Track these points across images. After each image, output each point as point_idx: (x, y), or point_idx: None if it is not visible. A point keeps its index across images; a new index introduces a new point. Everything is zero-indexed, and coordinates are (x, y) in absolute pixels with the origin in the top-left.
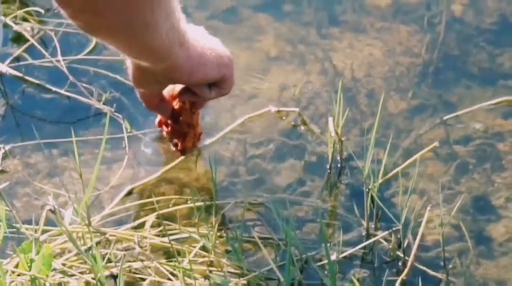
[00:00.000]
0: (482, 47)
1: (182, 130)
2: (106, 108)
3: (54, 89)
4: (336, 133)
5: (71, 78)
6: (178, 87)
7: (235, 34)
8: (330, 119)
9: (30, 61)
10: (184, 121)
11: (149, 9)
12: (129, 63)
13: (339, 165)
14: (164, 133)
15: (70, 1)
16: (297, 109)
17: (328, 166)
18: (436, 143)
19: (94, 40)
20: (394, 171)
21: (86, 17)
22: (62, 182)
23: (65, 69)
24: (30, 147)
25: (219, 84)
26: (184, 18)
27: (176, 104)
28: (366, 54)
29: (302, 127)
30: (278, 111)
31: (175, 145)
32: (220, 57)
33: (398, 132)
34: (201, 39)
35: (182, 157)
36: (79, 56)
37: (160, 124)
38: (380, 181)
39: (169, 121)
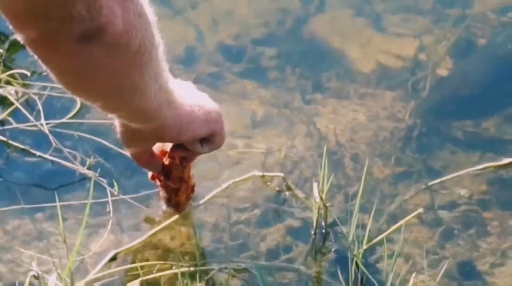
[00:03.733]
0: (467, 111)
1: (174, 185)
2: (90, 173)
3: (38, 153)
4: (321, 198)
5: (54, 143)
6: (168, 143)
7: (220, 98)
8: (315, 184)
9: (15, 125)
10: (175, 176)
11: (138, 73)
12: (116, 122)
13: (323, 231)
14: (159, 188)
15: (59, 66)
16: (281, 174)
17: (312, 232)
18: (420, 210)
19: (78, 104)
20: (379, 237)
21: (75, 81)
22: (46, 247)
23: (49, 134)
24: (15, 212)
25: (210, 139)
26: (171, 77)
27: (166, 160)
28: (350, 119)
29: (287, 192)
30: (263, 176)
31: (168, 200)
32: (208, 113)
33: (383, 197)
34: (189, 96)
35: (167, 222)
36: (63, 120)
37: (153, 178)
38: (365, 247)
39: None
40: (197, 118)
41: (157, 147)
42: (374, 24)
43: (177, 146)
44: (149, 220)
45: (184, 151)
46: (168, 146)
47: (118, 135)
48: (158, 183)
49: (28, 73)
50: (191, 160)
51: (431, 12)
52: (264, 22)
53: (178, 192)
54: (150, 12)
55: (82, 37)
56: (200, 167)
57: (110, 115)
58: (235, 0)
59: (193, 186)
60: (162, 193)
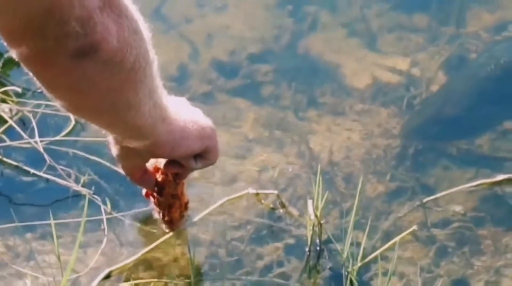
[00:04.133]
0: (461, 128)
1: (167, 202)
2: (84, 190)
3: (32, 171)
4: (316, 216)
5: (48, 160)
6: (162, 159)
7: (213, 117)
8: (310, 202)
9: (9, 142)
10: (168, 192)
11: (132, 89)
12: (110, 138)
13: (318, 248)
14: (152, 205)
15: (54, 82)
16: (275, 192)
17: (307, 249)
18: (414, 227)
19: (72, 122)
20: (373, 254)
21: (70, 98)
22: (40, 265)
23: (43, 151)
24: (9, 230)
25: (204, 155)
26: (165, 93)
27: (159, 176)
28: (345, 137)
29: (281, 210)
30: (257, 194)
31: (162, 217)
32: (202, 128)
33: (377, 214)
34: (183, 112)
35: (161, 239)
36: (57, 138)
37: (147, 195)
38: (359, 264)
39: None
40: (190, 133)
41: (150, 164)
42: (369, 42)
43: (171, 162)
44: (144, 238)
45: (178, 167)
46: (161, 162)
47: (112, 151)
48: (152, 200)
49: (20, 90)
50: (184, 176)
51: (425, 30)
52: (260, 37)
53: (171, 209)
54: (144, 28)
55: (77, 54)
56: (194, 184)
57: (104, 132)
58: (230, 16)
59: (186, 203)
60: (156, 210)
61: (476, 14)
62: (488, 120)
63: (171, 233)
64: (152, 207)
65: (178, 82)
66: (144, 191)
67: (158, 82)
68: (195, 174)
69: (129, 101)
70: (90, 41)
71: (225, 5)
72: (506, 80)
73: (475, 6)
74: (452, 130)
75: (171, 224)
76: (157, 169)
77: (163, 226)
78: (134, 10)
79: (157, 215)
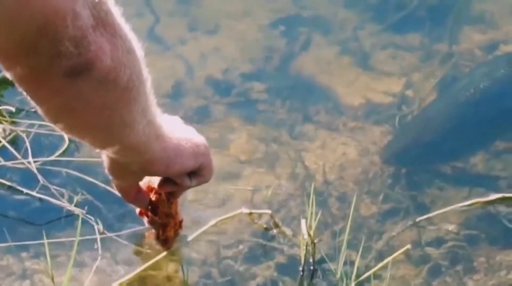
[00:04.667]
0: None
1: (162, 221)
2: (77, 210)
3: (25, 191)
4: (309, 235)
5: (41, 180)
6: (155, 178)
7: (207, 134)
8: (303, 221)
9: (2, 162)
10: (163, 211)
11: (126, 108)
12: (104, 156)
13: (311, 268)
14: (146, 224)
15: (48, 101)
16: (269, 212)
17: (300, 269)
18: (408, 246)
19: (66, 142)
20: (366, 274)
21: (64, 116)
22: (34, 284)
23: (36, 171)
24: (2, 249)
25: (198, 172)
26: (159, 112)
27: (153, 196)
28: (338, 155)
29: (274, 230)
30: (250, 213)
31: (157, 236)
32: (196, 146)
33: (370, 234)
34: (177, 130)
35: (155, 259)
36: (51, 158)
37: (141, 214)
38: (353, 283)
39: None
40: (184, 151)
41: (143, 183)
42: (362, 61)
43: (165, 181)
44: (137, 257)
45: (172, 186)
46: (154, 181)
47: (106, 170)
48: (146, 219)
49: (13, 110)
50: (178, 195)
51: (418, 48)
52: (254, 58)
53: (166, 228)
54: (138, 47)
55: (70, 73)
56: (188, 204)
57: (98, 151)
58: (223, 38)
59: (180, 222)
60: (150, 230)
61: (468, 33)
62: (481, 141)
63: (165, 252)
64: (145, 227)
65: (173, 100)
66: (137, 210)
67: (152, 101)
68: (189, 192)
69: (123, 120)
70: (83, 60)
71: (217, 27)
72: (490, 101)
73: (467, 26)
74: (452, 148)
75: (166, 243)
76: (150, 189)
77: (158, 245)
78: (127, 30)
79: (151, 235)
